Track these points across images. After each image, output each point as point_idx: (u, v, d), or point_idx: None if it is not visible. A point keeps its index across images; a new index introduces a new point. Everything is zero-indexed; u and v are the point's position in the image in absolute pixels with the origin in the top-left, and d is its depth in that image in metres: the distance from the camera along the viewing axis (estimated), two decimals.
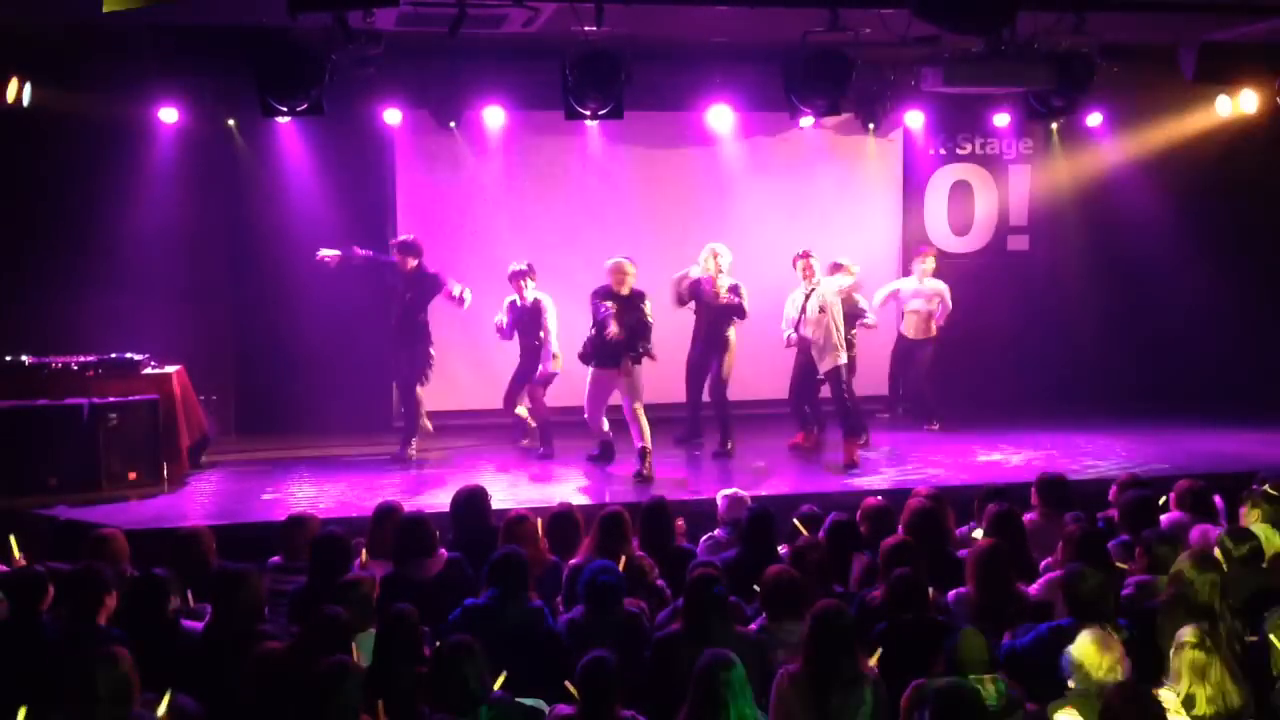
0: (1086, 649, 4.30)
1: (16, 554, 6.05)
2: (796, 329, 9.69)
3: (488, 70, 10.05)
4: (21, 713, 4.15)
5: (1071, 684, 4.34)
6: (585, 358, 9.35)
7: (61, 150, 10.06)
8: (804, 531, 6.34)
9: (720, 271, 9.67)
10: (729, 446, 9.85)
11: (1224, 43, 9.84)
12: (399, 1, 6.99)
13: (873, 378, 11.09)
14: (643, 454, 9.11)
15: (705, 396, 10.04)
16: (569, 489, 8.73)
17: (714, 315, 9.78)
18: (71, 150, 10.07)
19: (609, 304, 9.20)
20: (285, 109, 8.15)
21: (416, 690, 4.49)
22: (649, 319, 9.27)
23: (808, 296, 9.64)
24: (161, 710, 4.26)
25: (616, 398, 9.38)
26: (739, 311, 9.71)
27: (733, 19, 8.62)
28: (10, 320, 9.82)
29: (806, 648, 4.57)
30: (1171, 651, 4.43)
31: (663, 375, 9.87)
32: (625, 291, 9.26)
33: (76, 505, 8.27)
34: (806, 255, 9.71)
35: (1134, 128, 11.84)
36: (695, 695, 4.18)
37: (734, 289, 9.67)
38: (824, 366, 9.65)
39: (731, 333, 9.81)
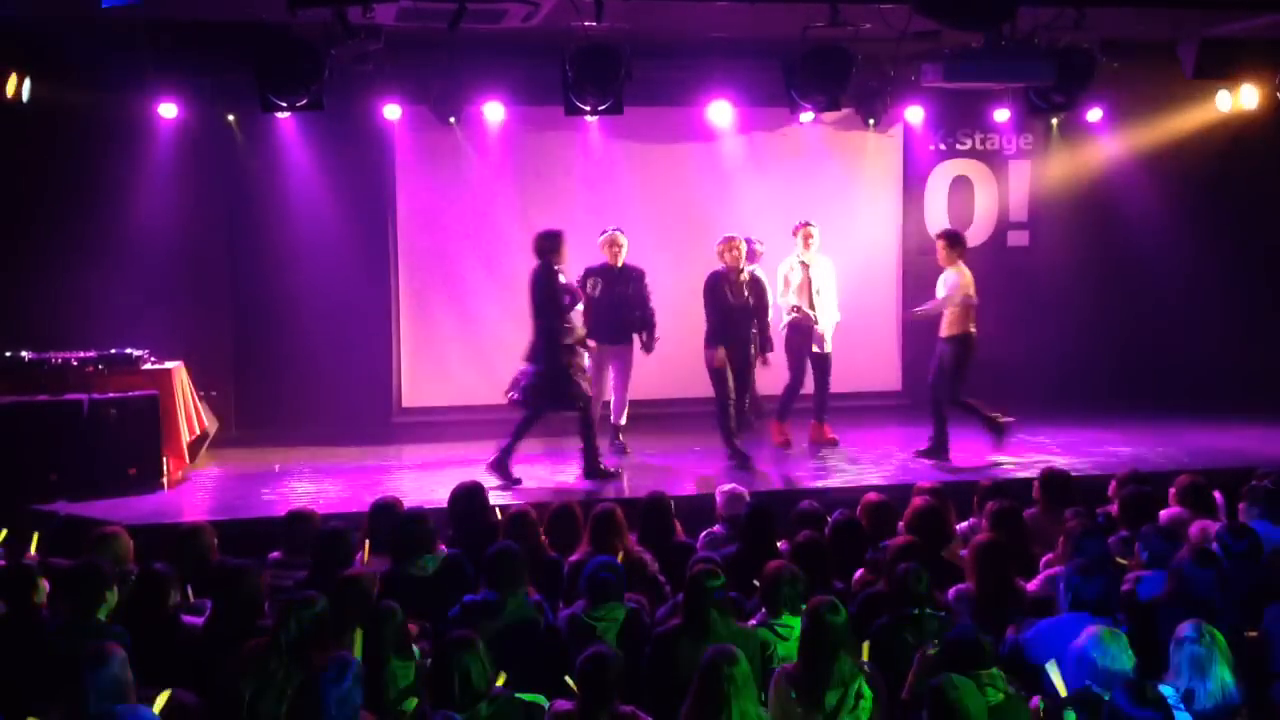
0: (1096, 643, 4.29)
1: (33, 548, 6.06)
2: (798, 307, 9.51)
3: (487, 66, 10.04)
4: None
5: (1060, 682, 4.33)
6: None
7: (61, 145, 10.05)
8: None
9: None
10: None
11: (1224, 38, 9.83)
12: None
13: (880, 372, 11.06)
14: (617, 432, 9.55)
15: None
16: (569, 486, 8.70)
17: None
18: (71, 145, 10.06)
19: (594, 279, 9.32)
20: (285, 104, 8.16)
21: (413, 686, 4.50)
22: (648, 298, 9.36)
23: (807, 269, 9.55)
24: (158, 707, 4.26)
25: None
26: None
27: (732, 14, 8.62)
28: (9, 316, 9.81)
29: (802, 644, 4.57)
30: (1171, 647, 4.43)
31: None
32: (619, 265, 9.38)
33: (77, 501, 8.25)
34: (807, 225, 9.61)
35: (1134, 123, 11.83)
36: (698, 691, 4.17)
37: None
38: (827, 347, 9.60)
39: None
